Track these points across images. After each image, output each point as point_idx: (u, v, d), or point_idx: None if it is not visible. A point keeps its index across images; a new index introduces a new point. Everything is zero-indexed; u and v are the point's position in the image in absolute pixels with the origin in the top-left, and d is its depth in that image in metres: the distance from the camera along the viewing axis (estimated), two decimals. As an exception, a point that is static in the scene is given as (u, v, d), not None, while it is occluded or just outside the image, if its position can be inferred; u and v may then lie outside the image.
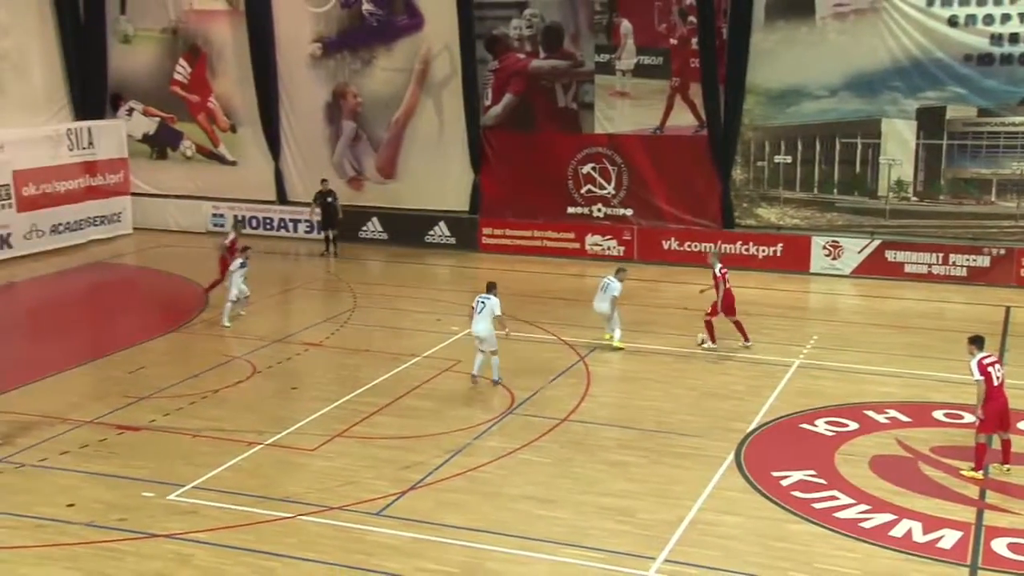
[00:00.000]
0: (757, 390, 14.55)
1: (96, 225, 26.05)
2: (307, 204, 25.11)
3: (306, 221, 25.29)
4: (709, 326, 16.46)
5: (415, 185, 25.25)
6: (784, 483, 11.45)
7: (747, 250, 22.44)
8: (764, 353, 16.25)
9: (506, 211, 24.53)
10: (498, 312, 14.47)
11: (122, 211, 26.85)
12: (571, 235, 23.79)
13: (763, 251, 22.37)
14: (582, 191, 24.10)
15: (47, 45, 25.86)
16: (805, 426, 13.23)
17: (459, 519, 10.69)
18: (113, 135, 26.69)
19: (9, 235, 23.81)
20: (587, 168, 23.96)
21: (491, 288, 14.84)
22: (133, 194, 27.20)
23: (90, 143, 25.91)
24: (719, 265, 16.44)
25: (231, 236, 20.08)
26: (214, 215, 27.04)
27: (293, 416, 13.70)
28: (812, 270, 21.94)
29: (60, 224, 25.01)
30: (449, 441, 12.76)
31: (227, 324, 17.98)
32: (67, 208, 25.13)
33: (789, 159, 22.43)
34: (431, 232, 24.86)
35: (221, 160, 27.24)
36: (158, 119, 27.55)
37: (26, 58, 25.35)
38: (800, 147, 22.35)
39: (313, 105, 25.84)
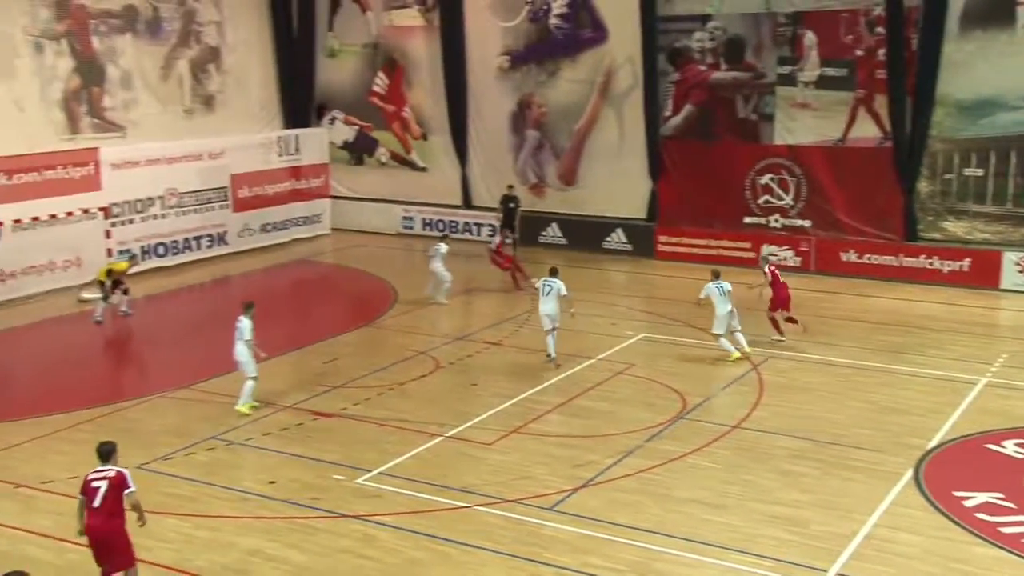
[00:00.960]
0: (939, 407, 13.85)
1: (299, 225, 27.44)
2: (491, 209, 25.66)
3: (489, 225, 25.78)
4: (773, 322, 16.86)
5: (594, 192, 25.34)
6: (967, 504, 10.86)
7: (931, 264, 21.27)
8: (948, 369, 15.46)
9: (683, 219, 24.22)
10: (564, 293, 15.73)
11: (322, 212, 28.19)
12: (747, 244, 23.29)
13: (949, 266, 21.14)
14: (759, 201, 23.54)
15: (264, 61, 27.53)
16: (992, 447, 12.46)
17: (629, 519, 10.62)
18: (317, 142, 28.08)
19: (225, 233, 25.42)
20: (765, 179, 23.39)
21: (554, 272, 16.19)
22: (332, 197, 28.49)
23: (296, 149, 27.37)
24: (767, 266, 17.21)
25: (497, 240, 21.48)
26: (404, 217, 27.95)
27: (472, 411, 13.96)
28: (1002, 286, 20.57)
29: (268, 224, 26.51)
30: (621, 442, 12.71)
31: (445, 301, 19.50)
32: (275, 209, 26.62)
33: (980, 172, 21.06)
34: (608, 238, 24.86)
35: (412, 166, 28.13)
36: (357, 127, 28.77)
37: (246, 73, 27.07)
38: (993, 160, 20.93)
39: (499, 115, 26.36)
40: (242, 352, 14.11)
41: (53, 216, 20.61)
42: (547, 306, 15.74)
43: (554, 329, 15.83)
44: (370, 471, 11.88)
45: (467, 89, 26.57)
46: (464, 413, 13.87)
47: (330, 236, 27.91)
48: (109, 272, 19.23)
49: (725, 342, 16.04)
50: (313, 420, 13.77)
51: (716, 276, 16.34)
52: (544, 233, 25.77)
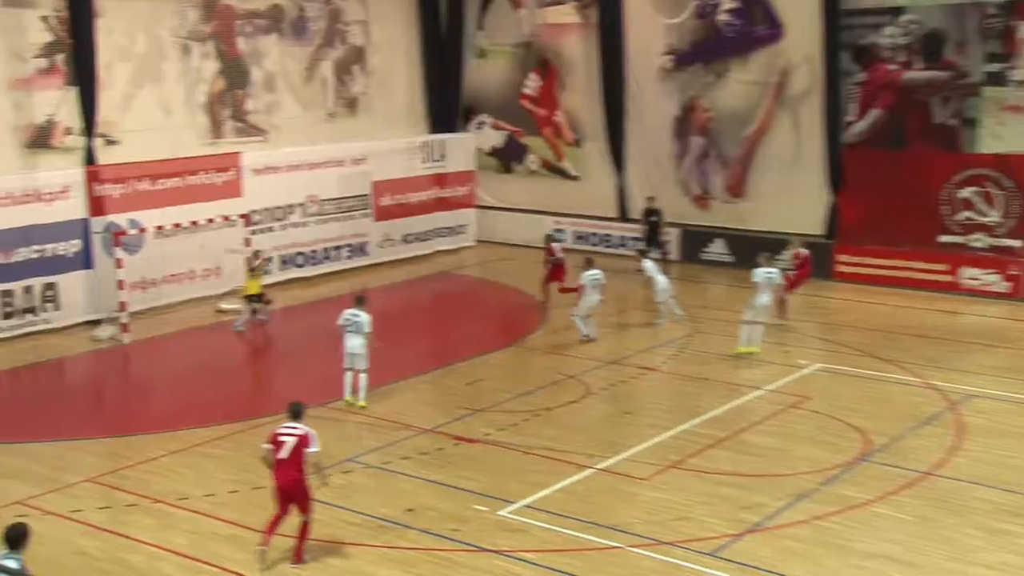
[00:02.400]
0: None
1: (442, 236, 27.93)
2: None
3: (640, 240, 25.57)
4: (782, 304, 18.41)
5: (765, 206, 24.81)
6: None
7: None
8: None
9: (866, 237, 23.37)
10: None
11: (467, 223, 28.63)
12: (944, 267, 22.31)
13: None
14: (959, 217, 22.49)
15: (410, 61, 28.22)
16: None
17: (802, 571, 10.27)
18: (463, 148, 28.55)
19: (365, 243, 26.15)
20: (966, 192, 22.34)
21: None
22: (478, 207, 28.92)
23: (442, 156, 27.90)
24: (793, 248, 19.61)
25: (558, 249, 21.46)
26: (555, 230, 27.99)
27: (625, 441, 13.90)
28: None
29: (410, 234, 27.09)
30: (793, 484, 12.36)
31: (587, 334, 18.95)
32: (418, 219, 27.18)
33: None
34: (780, 257, 24.17)
35: (564, 175, 28.24)
36: (506, 133, 29.10)
37: (391, 74, 27.79)
38: None
39: (661, 120, 26.16)
40: (359, 346, 15.21)
41: (194, 223, 21.67)
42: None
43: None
44: (514, 503, 11.92)
45: (625, 92, 26.50)
46: (617, 444, 13.83)
47: (475, 248, 28.35)
48: (249, 294, 20.20)
49: (746, 330, 17.14)
50: (454, 445, 13.91)
51: (765, 262, 17.85)
52: (707, 249, 25.41)
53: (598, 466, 13.02)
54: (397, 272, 25.62)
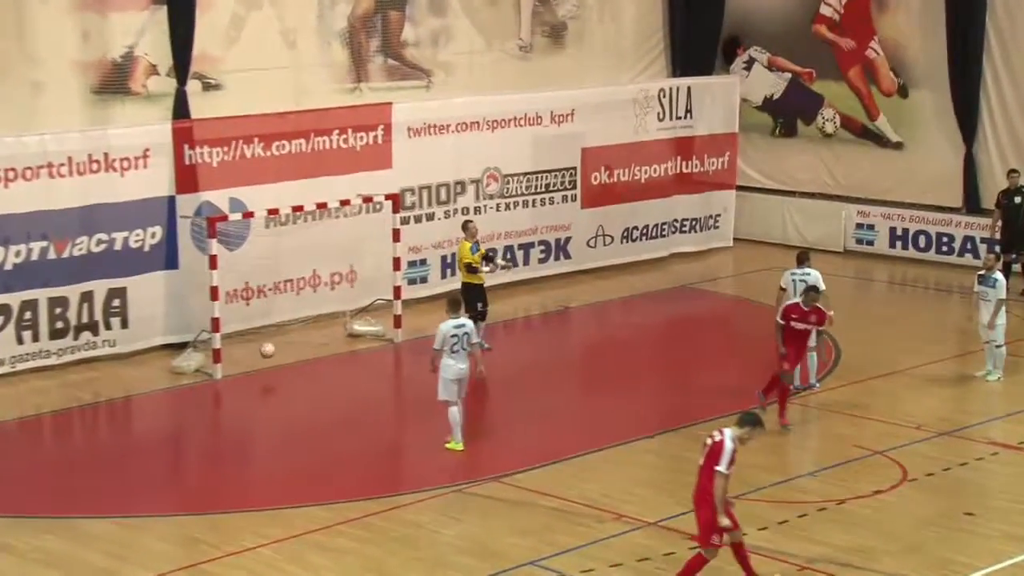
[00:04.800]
0: None
1: (684, 232, 27.93)
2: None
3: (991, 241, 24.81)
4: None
5: None
6: None
7: None
8: None
9: None
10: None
11: (722, 212, 28.48)
12: None
13: None
14: None
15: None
16: None
17: None
18: (721, 99, 28.42)
19: (568, 240, 26.36)
20: None
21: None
22: (740, 188, 28.73)
23: (688, 111, 27.82)
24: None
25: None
26: (859, 226, 27.53)
27: (966, 559, 13.67)
28: None
29: (635, 228, 27.20)
30: None
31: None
32: (647, 205, 27.25)
33: None
34: None
35: (878, 140, 27.71)
36: (789, 75, 28.80)
37: (616, -9, 28.12)
38: None
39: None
40: (460, 369, 16.48)
41: (322, 206, 22.28)
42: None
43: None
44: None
45: (987, 10, 25.84)
46: (951, 563, 13.58)
47: (732, 250, 28.20)
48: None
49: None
50: (691, 549, 13.64)
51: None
52: None
53: (918, 597, 12.78)
54: (613, 285, 25.66)
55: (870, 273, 26.70)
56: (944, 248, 26.42)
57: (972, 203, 26.32)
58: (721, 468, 12.17)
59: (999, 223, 24.37)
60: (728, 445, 12.27)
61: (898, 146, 27.46)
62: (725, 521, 12.21)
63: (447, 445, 16.70)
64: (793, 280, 18.88)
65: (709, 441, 12.44)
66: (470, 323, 16.96)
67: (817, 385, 19.10)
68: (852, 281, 25.48)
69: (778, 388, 17.61)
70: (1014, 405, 18.53)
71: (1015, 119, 25.90)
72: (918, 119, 27.09)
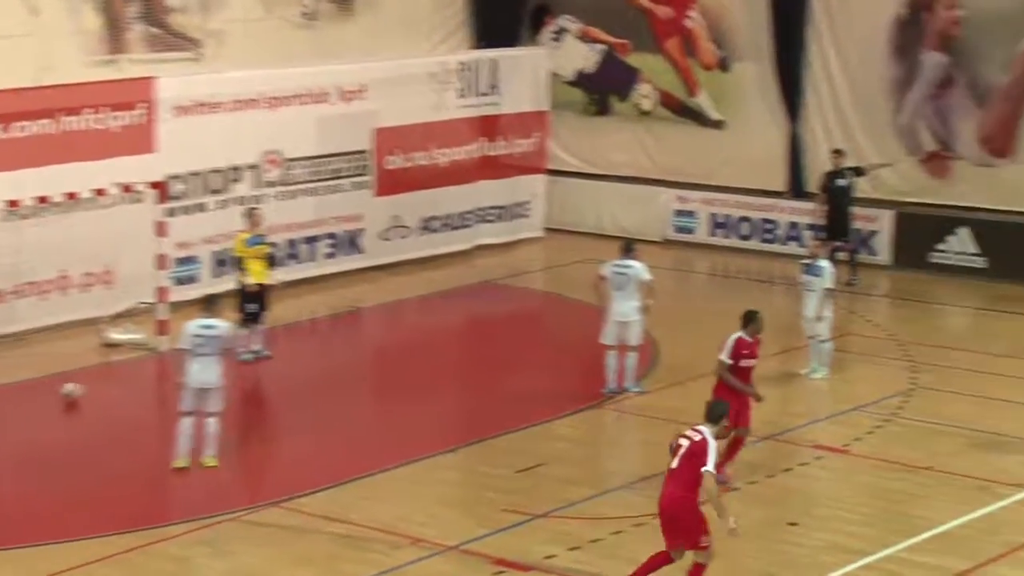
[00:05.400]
0: None
1: (490, 221, 28.00)
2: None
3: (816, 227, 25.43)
4: None
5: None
6: None
7: None
8: None
9: None
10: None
11: (532, 199, 28.62)
12: None
13: None
14: None
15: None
16: None
17: None
18: (529, 73, 28.51)
19: (361, 232, 26.21)
20: None
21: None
22: (551, 172, 28.88)
23: (492, 87, 27.90)
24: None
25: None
26: (679, 212, 27.92)
27: (789, 572, 13.95)
28: None
29: (435, 218, 27.18)
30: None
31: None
32: (447, 192, 27.25)
33: None
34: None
35: (698, 118, 28.11)
36: (602, 47, 29.02)
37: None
38: None
39: (869, 25, 26.05)
40: (202, 378, 16.24)
41: (72, 196, 21.60)
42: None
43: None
44: None
45: (809, -22, 26.54)
46: None
47: (543, 240, 28.38)
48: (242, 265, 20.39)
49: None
50: (496, 575, 13.80)
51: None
52: (943, 245, 25.31)
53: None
54: (411, 282, 25.63)
55: (690, 264, 27.20)
56: (768, 235, 26.92)
57: (797, 186, 26.93)
58: (710, 467, 12.46)
59: (824, 208, 24.90)
60: (712, 443, 12.63)
61: (719, 125, 27.92)
62: (732, 520, 12.52)
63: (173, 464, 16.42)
64: (613, 271, 19.06)
65: (684, 442, 12.71)
66: (225, 325, 16.65)
67: (635, 389, 19.26)
68: (671, 273, 25.71)
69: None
70: (840, 404, 18.96)
71: (841, 94, 26.53)
72: (740, 95, 27.58)
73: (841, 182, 24.78)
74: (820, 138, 26.67)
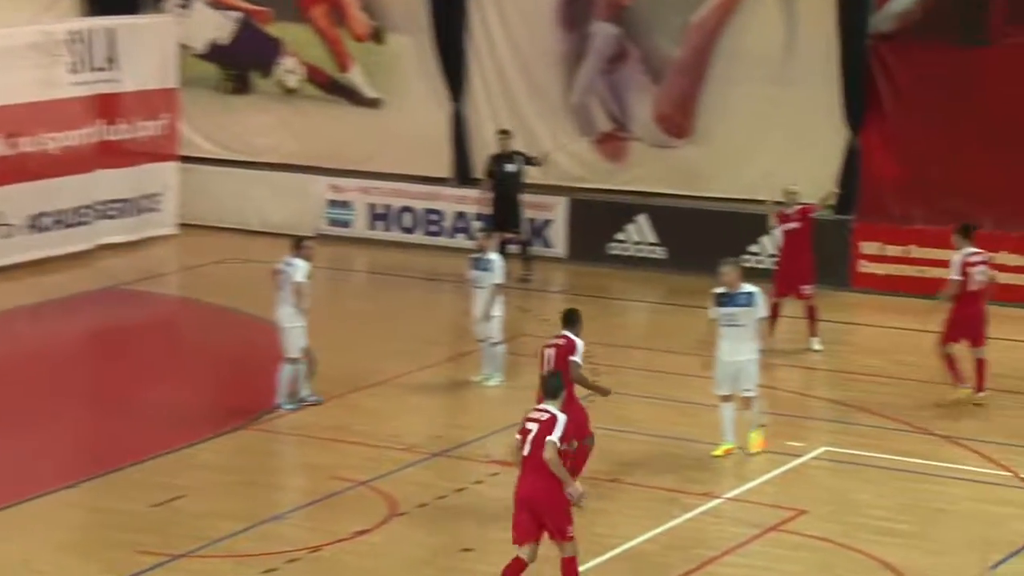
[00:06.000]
0: None
1: (111, 217, 27.66)
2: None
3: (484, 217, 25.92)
4: (949, 361, 19.42)
5: (730, 153, 25.48)
6: None
7: None
8: None
9: (916, 208, 24.19)
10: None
11: (162, 191, 28.42)
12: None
13: None
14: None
15: None
16: None
17: None
18: (153, 45, 28.26)
19: (-49, 232, 25.58)
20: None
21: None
22: (184, 158, 28.70)
23: (110, 61, 27.57)
24: (968, 249, 19.49)
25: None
26: (333, 203, 28.16)
27: None
28: None
29: (46, 214, 26.65)
30: None
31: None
32: (60, 184, 26.75)
33: None
34: (751, 248, 24.86)
35: (352, 96, 28.33)
36: (239, 15, 29.00)
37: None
38: None
39: (535, -5, 26.57)
40: None
41: None
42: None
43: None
44: None
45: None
46: None
47: (178, 238, 28.24)
48: None
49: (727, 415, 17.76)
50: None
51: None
52: (621, 235, 26.01)
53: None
54: (19, 288, 25.10)
55: (348, 261, 27.37)
56: (433, 228, 27.23)
57: (463, 172, 27.29)
58: (554, 437, 13.04)
59: (491, 195, 25.34)
60: (561, 417, 13.24)
61: (375, 103, 28.10)
62: (578, 486, 13.31)
63: None
64: (282, 268, 19.19)
65: (533, 426, 13.24)
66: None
67: (288, 406, 19.21)
68: (326, 272, 25.19)
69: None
70: (516, 414, 18.49)
71: (508, 70, 27.00)
72: (397, 70, 27.79)
73: (510, 167, 25.10)
74: (486, 118, 27.08)
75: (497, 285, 19.84)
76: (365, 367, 20.87)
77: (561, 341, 16.28)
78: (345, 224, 28.00)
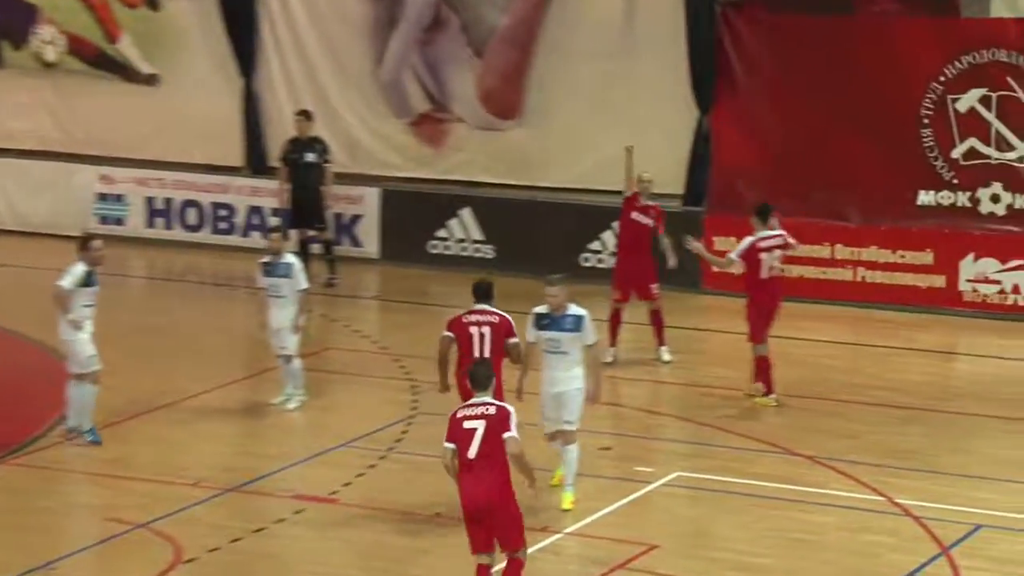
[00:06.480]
0: None
1: None
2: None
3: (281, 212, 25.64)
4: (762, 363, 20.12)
5: (565, 136, 25.56)
6: None
7: None
8: None
9: (773, 198, 24.15)
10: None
11: None
12: (927, 256, 23.57)
13: None
14: (958, 151, 23.78)
15: None
16: None
17: None
18: None
19: None
20: (970, 98, 23.67)
21: None
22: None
23: None
24: (763, 232, 19.96)
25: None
26: (102, 197, 27.75)
27: None
28: None
29: None
30: None
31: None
32: None
33: None
34: (592, 245, 25.07)
35: (122, 72, 28.09)
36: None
37: None
38: None
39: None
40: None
41: None
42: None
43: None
44: None
45: None
46: None
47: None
48: None
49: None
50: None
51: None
52: (443, 231, 26.01)
53: None
54: None
55: (122, 265, 26.26)
56: (223, 225, 27.12)
57: (258, 160, 27.22)
58: (514, 432, 13.43)
59: (288, 186, 25.09)
60: (511, 407, 13.67)
61: (151, 80, 27.89)
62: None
63: None
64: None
65: (477, 424, 13.59)
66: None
67: (88, 431, 18.82)
68: (102, 279, 25.38)
69: None
70: (322, 441, 18.97)
71: (307, 41, 26.97)
72: (177, 41, 27.60)
73: (310, 155, 24.96)
74: (282, 97, 27.02)
75: (298, 292, 19.55)
76: (146, 389, 20.65)
77: (494, 319, 16.66)
78: (118, 221, 27.71)
